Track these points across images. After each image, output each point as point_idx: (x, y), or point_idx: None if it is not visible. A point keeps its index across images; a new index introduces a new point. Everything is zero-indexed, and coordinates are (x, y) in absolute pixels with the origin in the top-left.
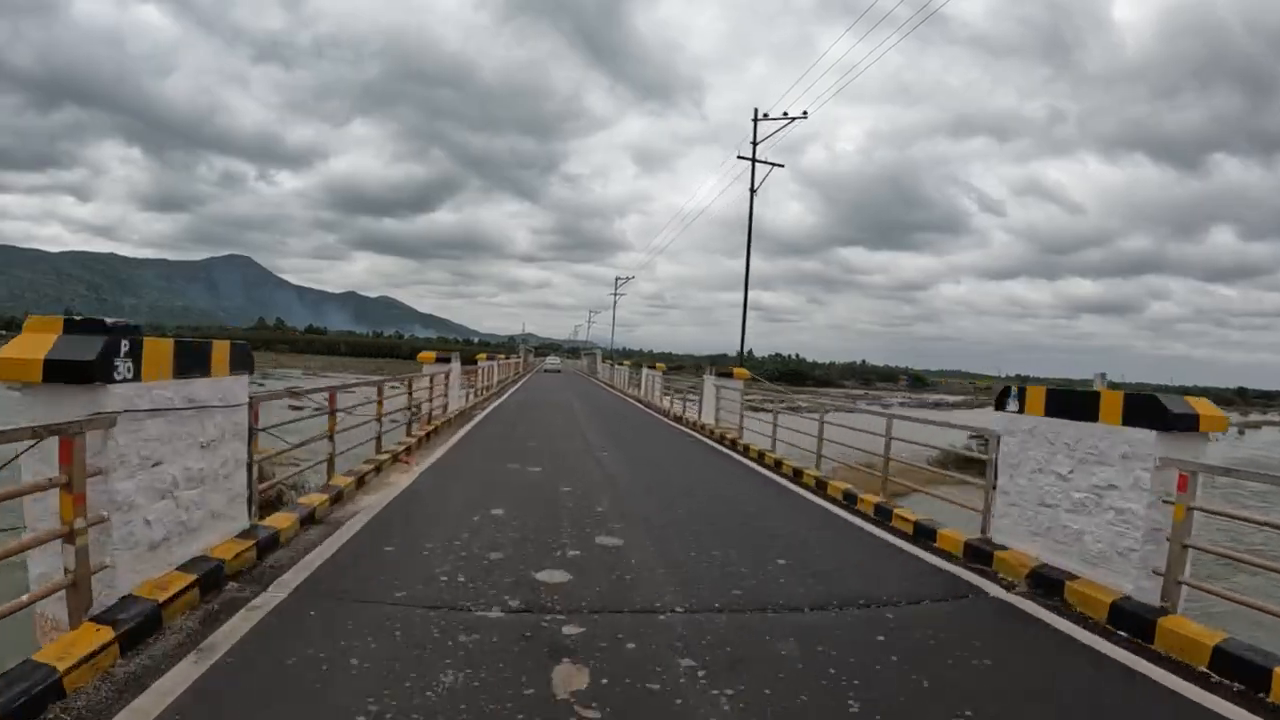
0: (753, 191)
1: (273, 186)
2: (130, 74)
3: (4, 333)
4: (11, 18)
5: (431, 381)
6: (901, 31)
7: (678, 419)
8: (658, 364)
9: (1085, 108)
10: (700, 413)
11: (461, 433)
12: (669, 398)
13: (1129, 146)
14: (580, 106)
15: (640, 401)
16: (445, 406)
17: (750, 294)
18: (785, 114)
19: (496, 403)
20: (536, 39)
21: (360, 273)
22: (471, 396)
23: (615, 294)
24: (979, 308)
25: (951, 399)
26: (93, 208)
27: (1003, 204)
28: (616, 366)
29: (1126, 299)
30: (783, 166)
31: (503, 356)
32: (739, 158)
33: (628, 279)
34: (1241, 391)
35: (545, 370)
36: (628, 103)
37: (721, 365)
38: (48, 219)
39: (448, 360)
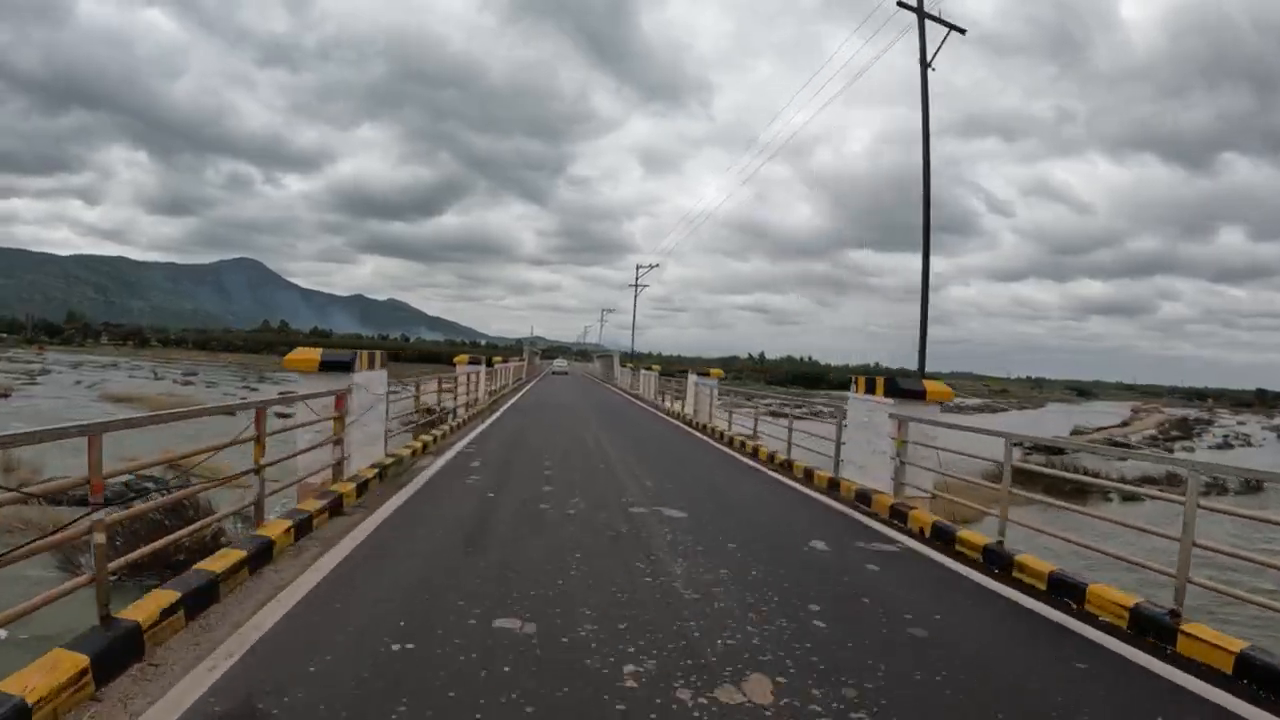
0: (925, 65)
1: (280, 190)
2: (136, 77)
3: (4, 335)
4: (17, 21)
5: (258, 422)
6: (909, 35)
7: (782, 465)
8: (712, 370)
9: (1093, 107)
10: (838, 464)
11: (335, 554)
12: (726, 418)
13: (1137, 146)
14: (587, 108)
15: (689, 425)
16: (339, 467)
17: (757, 297)
18: None
19: (475, 432)
20: (541, 40)
21: (368, 276)
22: (445, 420)
23: (636, 285)
24: (988, 309)
25: (969, 402)
26: (101, 211)
27: (1011, 205)
28: (642, 372)
29: (1135, 300)
30: (964, 32)
31: (500, 360)
32: (899, 4)
33: (651, 267)
34: (1261, 393)
35: (554, 373)
36: (634, 104)
37: (905, 379)
38: (57, 222)
39: (345, 367)
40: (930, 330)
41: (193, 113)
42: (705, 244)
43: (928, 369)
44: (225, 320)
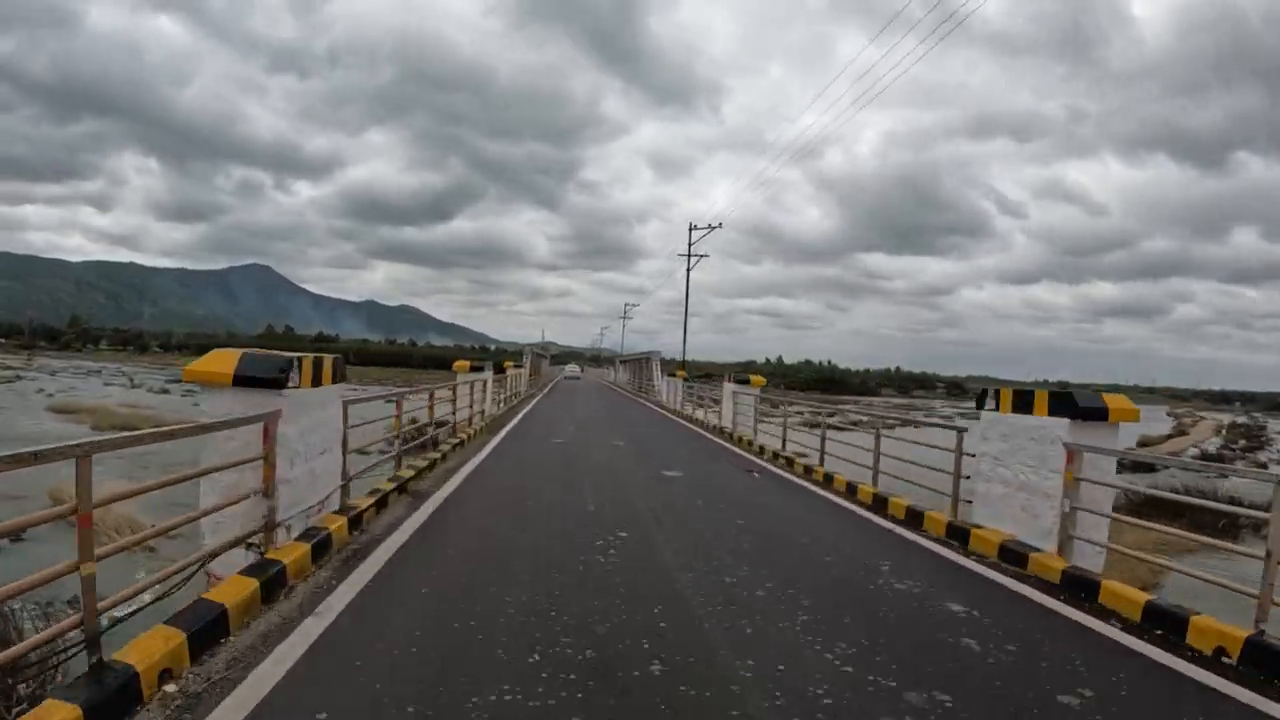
0: None
1: (291, 196)
2: (147, 84)
3: (2, 340)
4: (28, 29)
5: None
6: (918, 36)
7: None
8: (1016, 393)
9: (1105, 107)
10: None
11: None
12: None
13: (1150, 146)
14: (597, 112)
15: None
16: None
17: (769, 301)
18: None
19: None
20: (549, 44)
21: (380, 281)
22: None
23: (690, 255)
24: (1001, 312)
25: None
26: (112, 217)
27: (1024, 206)
28: (728, 386)
29: (1150, 302)
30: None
31: (466, 365)
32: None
33: (713, 228)
34: None
35: (566, 378)
36: (644, 108)
37: None
38: (69, 229)
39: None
40: (942, 332)
41: (203, 119)
42: (716, 247)
43: (947, 373)
44: (234, 325)
